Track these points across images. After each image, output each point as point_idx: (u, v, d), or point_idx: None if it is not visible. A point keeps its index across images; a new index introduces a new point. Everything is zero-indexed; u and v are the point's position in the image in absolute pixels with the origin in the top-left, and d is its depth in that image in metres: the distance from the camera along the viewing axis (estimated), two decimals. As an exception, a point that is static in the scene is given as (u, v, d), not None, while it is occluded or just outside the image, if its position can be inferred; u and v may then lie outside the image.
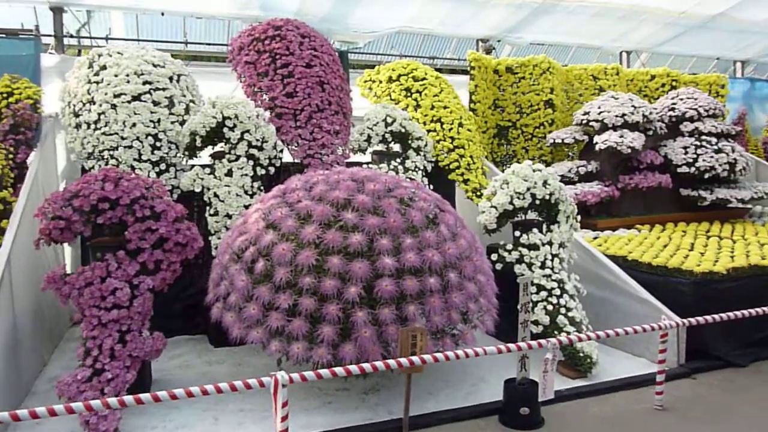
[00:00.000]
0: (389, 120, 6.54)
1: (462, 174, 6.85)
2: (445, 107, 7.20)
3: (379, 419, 4.00)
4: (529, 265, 5.18)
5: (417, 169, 6.50)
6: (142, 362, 4.17)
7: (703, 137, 8.13)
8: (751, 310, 4.38)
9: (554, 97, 8.65)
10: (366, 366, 3.16)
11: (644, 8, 9.53)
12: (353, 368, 3.11)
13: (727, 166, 7.87)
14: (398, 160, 6.48)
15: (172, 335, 5.97)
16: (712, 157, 7.88)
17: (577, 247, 5.85)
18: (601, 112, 7.87)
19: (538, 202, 5.39)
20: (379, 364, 3.23)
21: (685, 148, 8.04)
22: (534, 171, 5.45)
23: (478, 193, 6.70)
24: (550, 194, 5.40)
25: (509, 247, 5.29)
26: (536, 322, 4.89)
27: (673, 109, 8.45)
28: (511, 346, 3.67)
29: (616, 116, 7.73)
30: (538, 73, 8.66)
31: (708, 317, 4.24)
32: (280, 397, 2.96)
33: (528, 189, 5.35)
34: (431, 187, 6.04)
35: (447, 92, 7.47)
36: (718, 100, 8.81)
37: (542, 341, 3.75)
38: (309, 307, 3.75)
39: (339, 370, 3.09)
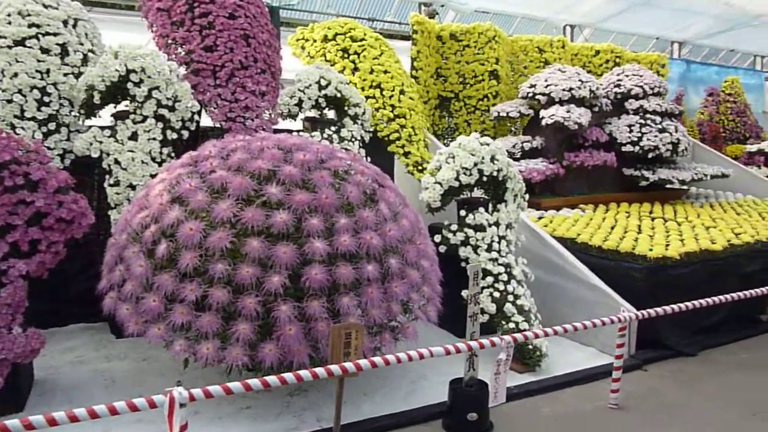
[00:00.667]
0: (323, 83, 5.86)
1: (403, 146, 6.30)
2: (385, 72, 6.58)
3: (307, 428, 3.45)
4: (475, 248, 4.72)
5: (354, 139, 5.88)
6: (14, 365, 3.40)
7: (648, 116, 7.94)
8: (708, 300, 4.10)
9: (499, 68, 8.20)
10: (288, 377, 2.58)
11: (592, -20, 9.24)
12: (272, 380, 2.52)
13: (670, 146, 7.72)
14: (333, 128, 5.83)
15: (67, 323, 5.21)
16: (656, 136, 7.70)
17: (524, 228, 5.46)
18: (548, 86, 7.50)
19: (485, 178, 4.92)
20: (305, 373, 2.65)
21: (630, 126, 7.82)
22: (482, 145, 4.96)
23: (420, 168, 6.18)
24: (498, 170, 4.93)
25: (454, 227, 4.81)
26: (482, 311, 4.45)
27: (618, 86, 8.21)
28: (461, 345, 3.18)
29: (564, 90, 7.38)
30: (483, 42, 8.17)
31: (667, 308, 3.92)
32: (177, 420, 2.33)
33: (475, 164, 4.86)
34: (369, 159, 5.45)
35: (388, 55, 6.85)
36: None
37: (495, 339, 3.28)
38: (221, 300, 3.11)
39: (254, 382, 2.49)
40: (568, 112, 7.21)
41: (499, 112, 7.79)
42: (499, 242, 4.79)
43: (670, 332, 4.87)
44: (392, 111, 6.36)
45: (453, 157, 4.92)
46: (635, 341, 4.73)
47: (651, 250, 4.94)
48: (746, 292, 4.33)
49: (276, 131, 5.19)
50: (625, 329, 3.89)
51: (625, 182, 8.03)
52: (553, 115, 7.17)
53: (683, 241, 5.36)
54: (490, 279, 4.61)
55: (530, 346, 4.34)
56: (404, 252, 3.61)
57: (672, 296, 4.47)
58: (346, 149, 5.46)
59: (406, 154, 6.27)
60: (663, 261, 4.81)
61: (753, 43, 13.40)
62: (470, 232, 4.76)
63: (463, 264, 4.64)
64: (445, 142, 8.10)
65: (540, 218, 6.43)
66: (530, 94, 7.65)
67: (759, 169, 9.92)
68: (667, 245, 5.18)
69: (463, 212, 4.88)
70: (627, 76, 8.26)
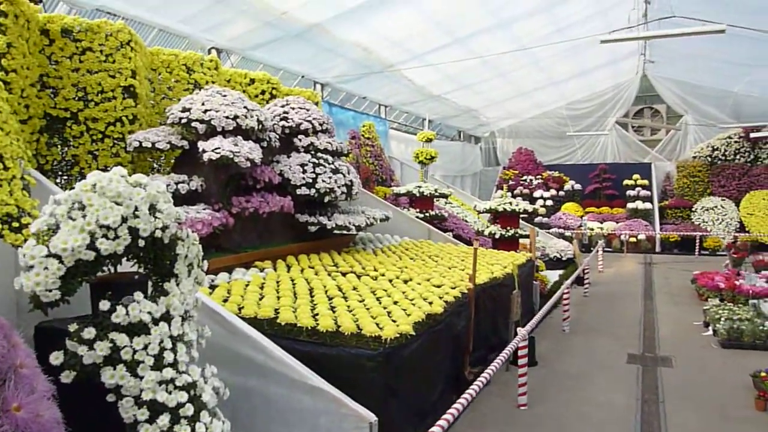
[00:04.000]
0: None
1: (-20, 188, 3.75)
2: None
3: None
4: (132, 367, 2.74)
5: None
6: None
7: (320, 154, 7.09)
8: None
9: (137, 83, 6.18)
10: None
11: (246, -5, 8.09)
12: None
13: (345, 189, 6.99)
14: None
15: None
16: (330, 177, 6.87)
17: (199, 311, 3.67)
18: (207, 111, 5.88)
19: (141, 242, 2.98)
20: None
21: (302, 165, 6.80)
22: (134, 187, 3.02)
23: (15, 226, 3.75)
24: (164, 228, 3.07)
25: (89, 333, 2.72)
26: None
27: (285, 119, 7.15)
28: None
29: (228, 118, 5.89)
30: (113, 47, 6.03)
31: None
32: None
33: (124, 219, 2.89)
34: None
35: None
36: (326, 115, 7.98)
37: None
38: None
39: None
40: (236, 145, 5.73)
41: (141, 142, 5.77)
42: (173, 348, 2.91)
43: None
44: (-43, 128, 3.76)
45: (82, 208, 2.84)
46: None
47: (381, 327, 3.78)
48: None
49: None
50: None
51: (295, 230, 6.98)
52: (218, 148, 5.57)
53: (401, 306, 4.40)
54: (164, 420, 2.69)
55: None
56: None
57: (409, 384, 3.40)
58: None
59: (-12, 202, 3.75)
60: (399, 340, 3.70)
61: (379, 91, 14.54)
62: (120, 338, 2.75)
63: (112, 398, 2.61)
64: (60, 181, 5.65)
65: (212, 288, 4.72)
66: (183, 120, 5.90)
67: (408, 211, 10.28)
68: (389, 312, 4.12)
69: (104, 304, 2.83)
70: (293, 109, 7.30)
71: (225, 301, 4.37)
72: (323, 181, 6.75)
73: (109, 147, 5.98)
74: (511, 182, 20.37)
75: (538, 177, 20.87)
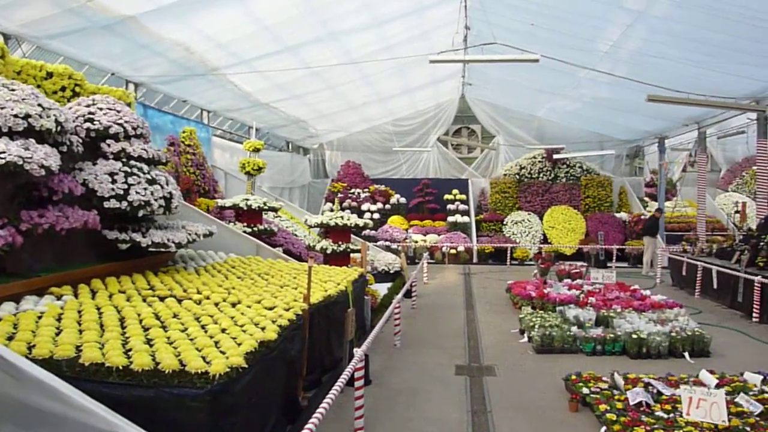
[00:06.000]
0: None
1: None
2: None
3: None
4: None
5: None
6: None
7: (133, 162, 6.38)
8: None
9: None
10: None
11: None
12: None
13: (163, 202, 6.38)
14: None
15: None
16: (145, 189, 6.21)
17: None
18: (-12, 106, 4.96)
19: None
20: None
21: (112, 174, 6.07)
22: None
23: None
24: None
25: None
26: None
27: (91, 121, 6.33)
28: None
29: (16, 116, 5.02)
30: None
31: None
32: None
33: None
34: None
35: None
36: (141, 119, 7.24)
37: None
38: None
39: None
40: (27, 149, 4.89)
41: None
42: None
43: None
44: None
45: None
46: None
47: (208, 361, 3.39)
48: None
49: None
50: None
51: (103, 248, 6.21)
52: (4, 153, 4.70)
53: (231, 334, 4.04)
54: None
55: None
56: None
57: (241, 420, 3.11)
58: None
59: None
60: (229, 374, 3.34)
61: (202, 95, 13.72)
62: None
63: None
64: None
65: (-7, 322, 3.93)
66: (-45, 117, 4.90)
67: (235, 225, 9.77)
68: (217, 343, 3.75)
69: None
70: (101, 109, 6.50)
71: (10, 339, 3.64)
72: (137, 192, 6.07)
73: None
74: (339, 195, 20.62)
75: (365, 190, 21.40)
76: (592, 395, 5.41)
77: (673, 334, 7.54)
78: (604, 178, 21.01)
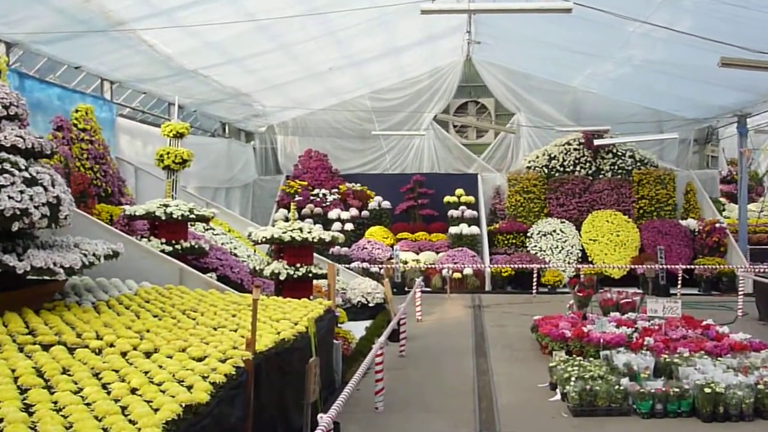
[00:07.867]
0: None
1: None
2: None
3: None
4: None
5: None
6: None
7: (3, 155, 6.36)
8: None
9: None
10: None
11: None
12: None
13: (47, 210, 6.37)
14: None
15: None
16: (22, 192, 6.20)
17: None
18: None
19: None
20: None
21: (-26, 172, 6.04)
22: None
23: None
24: None
25: None
26: None
27: (-56, 96, 6.30)
28: None
29: None
30: None
31: None
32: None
33: None
34: None
35: None
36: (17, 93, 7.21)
37: None
38: None
39: None
40: None
41: None
42: None
43: None
44: None
45: None
46: None
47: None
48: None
49: None
50: None
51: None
52: None
53: (144, 396, 4.05)
54: None
55: None
56: None
57: None
58: None
59: None
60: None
61: (103, 59, 13.64)
62: None
63: None
64: None
65: None
66: None
67: (150, 242, 9.75)
68: (124, 410, 3.74)
69: None
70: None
71: None
72: (9, 197, 6.07)
73: None
74: (297, 198, 20.64)
75: (333, 191, 21.47)
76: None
77: (761, 386, 7.66)
78: (663, 171, 21.32)
